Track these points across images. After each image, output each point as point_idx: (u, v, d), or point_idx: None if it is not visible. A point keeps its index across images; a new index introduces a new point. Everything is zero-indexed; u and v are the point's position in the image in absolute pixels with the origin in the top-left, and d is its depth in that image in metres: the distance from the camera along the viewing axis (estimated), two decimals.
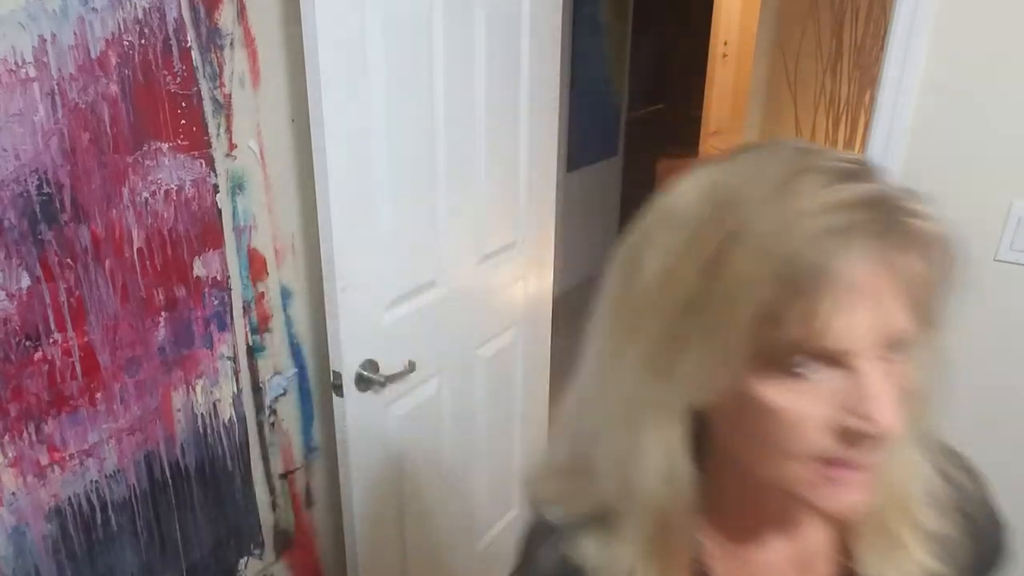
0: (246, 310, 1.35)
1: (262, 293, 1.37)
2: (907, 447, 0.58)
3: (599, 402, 0.58)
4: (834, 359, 0.48)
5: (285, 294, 1.41)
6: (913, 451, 0.59)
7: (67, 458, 1.12)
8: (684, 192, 0.53)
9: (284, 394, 1.47)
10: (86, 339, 1.10)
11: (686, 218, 0.51)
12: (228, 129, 1.23)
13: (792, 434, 0.50)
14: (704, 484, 0.58)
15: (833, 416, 0.48)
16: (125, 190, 1.11)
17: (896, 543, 0.59)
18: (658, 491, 0.55)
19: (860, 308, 0.46)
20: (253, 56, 1.24)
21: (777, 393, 0.49)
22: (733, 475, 0.59)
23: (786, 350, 0.47)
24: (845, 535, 0.62)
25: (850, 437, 0.48)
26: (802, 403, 0.49)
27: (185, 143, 1.17)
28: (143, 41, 1.08)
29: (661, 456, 0.54)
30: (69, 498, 1.14)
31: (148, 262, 1.16)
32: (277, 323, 1.41)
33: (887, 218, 0.47)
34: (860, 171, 0.50)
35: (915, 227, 0.49)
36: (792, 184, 0.48)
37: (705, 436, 0.57)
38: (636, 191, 4.37)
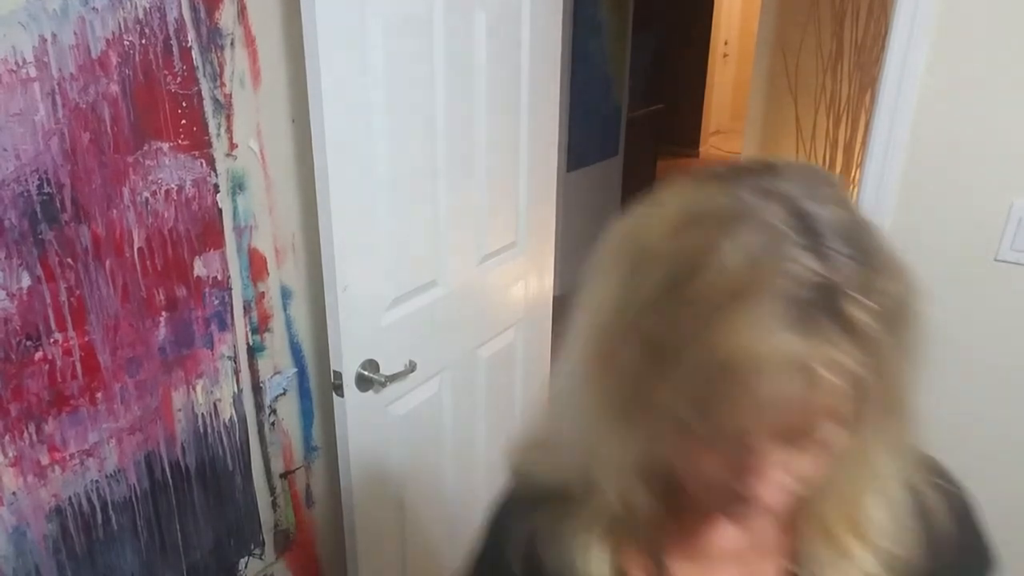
0: (246, 310, 1.35)
1: (262, 293, 1.37)
2: (860, 465, 0.59)
3: (572, 412, 0.61)
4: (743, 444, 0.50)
5: (285, 294, 1.41)
6: (870, 467, 0.59)
7: (67, 458, 1.12)
8: (654, 231, 0.53)
9: (284, 394, 1.47)
10: (86, 339, 1.10)
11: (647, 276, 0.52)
12: (228, 129, 1.23)
13: (694, 484, 0.56)
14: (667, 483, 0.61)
15: (727, 479, 0.52)
16: (125, 190, 1.11)
17: (842, 552, 0.61)
18: (616, 505, 0.60)
19: (764, 417, 0.48)
20: (254, 56, 1.24)
21: (686, 452, 0.54)
22: None
23: (697, 426, 0.50)
24: (795, 540, 0.64)
25: (738, 497, 0.53)
26: (703, 464, 0.53)
27: (185, 143, 1.17)
28: (143, 41, 1.08)
29: (619, 479, 0.59)
30: (69, 498, 1.14)
31: (148, 262, 1.16)
32: (277, 323, 1.41)
33: (815, 360, 0.46)
34: (822, 284, 0.47)
35: (849, 330, 0.46)
36: (739, 300, 0.47)
37: None
38: (636, 191, 4.36)
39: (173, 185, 1.17)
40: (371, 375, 1.41)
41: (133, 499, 1.23)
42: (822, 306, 0.46)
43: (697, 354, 0.47)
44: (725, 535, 0.65)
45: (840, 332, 0.46)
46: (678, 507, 0.63)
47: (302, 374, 1.49)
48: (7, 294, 1.00)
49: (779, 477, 0.51)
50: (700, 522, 0.65)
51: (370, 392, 1.43)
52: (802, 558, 0.63)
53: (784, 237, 0.47)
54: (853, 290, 0.47)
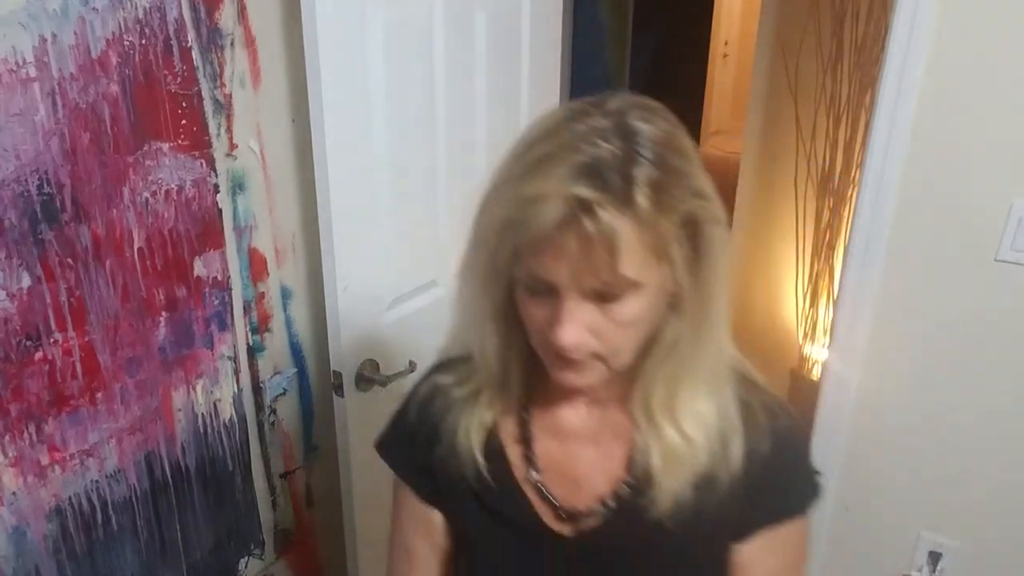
0: (246, 310, 1.35)
1: (262, 293, 1.37)
2: (678, 359, 0.72)
3: (468, 303, 0.77)
4: (552, 288, 0.66)
5: (285, 294, 1.41)
6: (688, 364, 0.72)
7: (67, 458, 1.12)
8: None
9: (284, 394, 1.47)
10: (86, 339, 1.10)
11: (500, 167, 0.70)
12: (229, 129, 1.23)
13: (531, 328, 0.71)
14: (532, 358, 0.77)
15: (548, 324, 0.67)
16: (126, 190, 1.11)
17: (659, 434, 0.74)
18: (496, 365, 0.78)
19: (562, 261, 0.63)
20: (254, 56, 1.24)
21: (526, 304, 0.69)
22: None
23: (522, 271, 0.67)
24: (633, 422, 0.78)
25: (552, 340, 0.67)
26: (534, 309, 0.69)
27: (186, 143, 1.17)
28: (144, 41, 1.08)
29: (495, 342, 0.76)
30: (69, 498, 1.14)
31: (148, 262, 1.16)
32: (277, 323, 1.41)
33: (584, 222, 0.61)
34: (608, 156, 0.63)
35: (616, 210, 0.61)
36: (543, 164, 0.64)
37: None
38: None
39: (173, 185, 1.17)
40: (371, 375, 1.41)
41: (133, 499, 1.23)
42: (613, 181, 0.61)
43: (514, 199, 0.64)
44: (579, 415, 0.80)
45: (620, 201, 0.61)
46: (537, 379, 0.79)
47: (302, 374, 1.49)
48: (7, 294, 1.00)
49: (576, 324, 0.65)
50: (556, 400, 0.80)
51: (370, 392, 1.43)
52: (637, 443, 0.76)
53: (603, 131, 0.64)
54: (643, 183, 0.62)
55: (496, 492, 0.80)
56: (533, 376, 0.79)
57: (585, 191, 0.60)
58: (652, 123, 0.66)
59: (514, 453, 0.81)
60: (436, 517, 0.90)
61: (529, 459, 0.80)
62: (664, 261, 0.65)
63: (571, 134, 0.64)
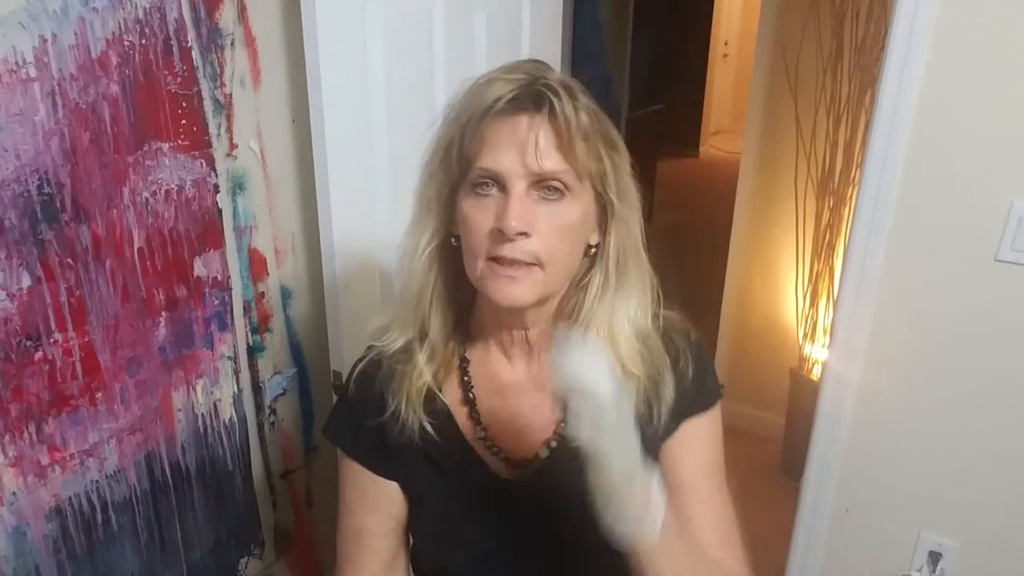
0: (246, 310, 1.35)
1: (262, 293, 1.37)
2: (611, 300, 0.82)
3: (407, 250, 0.85)
4: (499, 182, 0.75)
5: (285, 294, 1.41)
6: (620, 302, 0.82)
7: (67, 458, 1.12)
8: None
9: (284, 394, 1.47)
10: (86, 339, 1.10)
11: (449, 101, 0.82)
12: (229, 129, 1.23)
13: (474, 236, 0.77)
14: (470, 313, 0.87)
15: (492, 222, 0.75)
16: (126, 190, 1.11)
17: None
18: (434, 318, 0.85)
19: (508, 149, 0.73)
20: (254, 56, 1.24)
21: (469, 206, 0.77)
22: (481, 301, 0.86)
23: (471, 173, 0.76)
24: None
25: (497, 237, 0.74)
26: (479, 212, 0.76)
27: (186, 143, 1.17)
28: (144, 41, 1.08)
29: (430, 291, 0.84)
30: (69, 498, 1.14)
31: (148, 262, 1.16)
32: (277, 323, 1.41)
33: (530, 99, 0.74)
34: (531, 76, 0.77)
35: (553, 106, 0.74)
36: (488, 82, 0.77)
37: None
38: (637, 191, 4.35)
39: (173, 185, 1.17)
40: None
41: (133, 499, 1.23)
42: (560, 92, 0.75)
43: (469, 95, 0.77)
44: (516, 369, 0.87)
45: (567, 103, 0.74)
46: (472, 340, 0.88)
47: (302, 374, 1.49)
48: (7, 294, 1.00)
49: (523, 210, 0.74)
50: (493, 358, 0.87)
51: None
52: None
53: (539, 79, 0.77)
54: (584, 108, 0.76)
55: (446, 449, 0.87)
56: (468, 339, 0.89)
57: (547, 78, 0.76)
58: (583, 89, 0.80)
59: (460, 414, 0.88)
60: (389, 489, 0.94)
61: (475, 419, 0.87)
62: (590, 181, 0.77)
63: (500, 70, 0.79)
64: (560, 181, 0.75)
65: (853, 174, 2.36)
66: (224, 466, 1.38)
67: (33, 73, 0.97)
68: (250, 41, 1.23)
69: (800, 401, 2.60)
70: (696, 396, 0.88)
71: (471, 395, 0.88)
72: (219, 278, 1.28)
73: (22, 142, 0.98)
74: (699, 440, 0.89)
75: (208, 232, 1.24)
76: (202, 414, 1.31)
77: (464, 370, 0.89)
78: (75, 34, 1.00)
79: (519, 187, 0.74)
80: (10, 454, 1.05)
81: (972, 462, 1.56)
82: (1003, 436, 1.51)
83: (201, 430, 1.31)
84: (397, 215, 1.40)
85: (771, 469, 2.78)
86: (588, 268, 0.84)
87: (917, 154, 1.45)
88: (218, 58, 1.19)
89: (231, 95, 1.23)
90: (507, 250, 0.75)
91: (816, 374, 2.54)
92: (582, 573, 0.86)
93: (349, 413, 0.95)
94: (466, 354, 0.89)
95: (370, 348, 0.94)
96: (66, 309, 1.07)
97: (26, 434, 1.06)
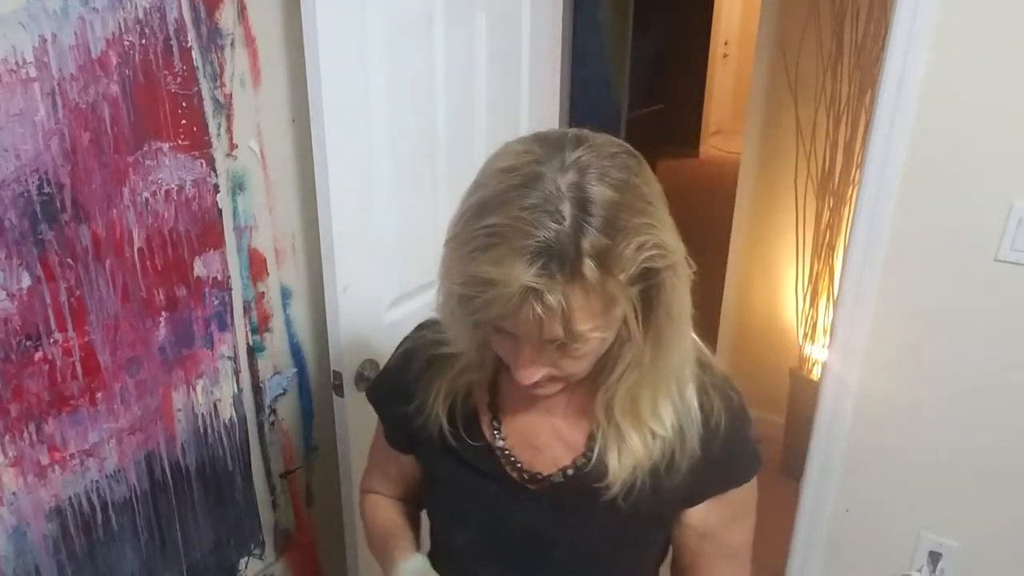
0: (246, 310, 1.35)
1: (262, 293, 1.37)
2: (641, 373, 0.78)
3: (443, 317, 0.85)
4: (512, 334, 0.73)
5: (285, 294, 1.41)
6: (650, 377, 0.78)
7: (67, 458, 1.12)
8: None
9: (284, 394, 1.47)
10: (86, 339, 1.10)
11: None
12: (229, 129, 1.23)
13: (501, 356, 0.79)
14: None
15: (510, 360, 0.76)
16: (126, 190, 1.11)
17: (623, 438, 0.80)
18: (475, 356, 0.87)
19: (521, 328, 0.70)
20: (254, 56, 1.24)
21: (496, 340, 0.77)
22: None
23: (495, 326, 0.74)
24: (592, 421, 0.85)
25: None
26: (502, 345, 0.77)
27: (186, 143, 1.17)
28: (144, 41, 1.08)
29: (473, 344, 0.84)
30: (69, 498, 1.14)
31: (148, 262, 1.16)
32: (277, 323, 1.41)
33: (535, 306, 0.66)
34: (554, 239, 0.66)
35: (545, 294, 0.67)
36: (495, 245, 0.67)
37: None
38: None
39: (173, 185, 1.17)
40: (371, 375, 1.41)
41: (133, 499, 1.23)
42: (562, 261, 0.65)
43: (469, 279, 0.69)
44: (544, 401, 0.86)
45: (567, 279, 0.66)
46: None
47: (302, 374, 1.49)
48: (7, 294, 1.00)
49: (534, 367, 0.74)
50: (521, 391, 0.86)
51: None
52: (594, 437, 0.83)
53: (555, 202, 0.66)
54: (589, 254, 0.66)
55: (468, 446, 0.89)
56: None
57: (533, 280, 0.65)
58: (607, 179, 0.68)
59: (484, 419, 0.90)
60: (404, 459, 1.01)
61: (495, 427, 0.89)
62: (616, 310, 0.70)
63: (522, 208, 0.66)
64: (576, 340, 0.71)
65: (853, 174, 2.36)
66: (224, 466, 1.38)
67: (33, 73, 0.97)
68: (250, 41, 1.23)
69: (800, 401, 2.61)
70: (729, 470, 0.85)
71: (497, 402, 0.90)
72: (219, 278, 1.28)
73: (22, 142, 0.98)
74: (724, 521, 0.87)
75: (208, 232, 1.24)
76: (202, 414, 1.31)
77: (495, 380, 0.90)
78: (75, 34, 1.00)
79: (530, 346, 0.73)
80: (10, 454, 1.05)
81: (972, 462, 1.56)
82: (1003, 436, 1.51)
83: (201, 430, 1.31)
84: (397, 215, 1.41)
85: (771, 469, 2.78)
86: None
87: (917, 154, 1.45)
88: (218, 58, 1.19)
89: (231, 95, 1.23)
90: (526, 387, 0.77)
91: (816, 374, 2.54)
92: None
93: (387, 385, 1.01)
94: (503, 367, 0.88)
95: (423, 325, 0.97)
96: (66, 309, 1.07)
97: (26, 434, 1.06)
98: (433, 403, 0.89)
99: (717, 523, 0.87)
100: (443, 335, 0.88)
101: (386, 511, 1.07)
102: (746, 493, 0.87)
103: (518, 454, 0.88)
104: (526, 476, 0.87)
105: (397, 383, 0.95)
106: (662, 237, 0.70)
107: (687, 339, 0.79)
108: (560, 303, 0.66)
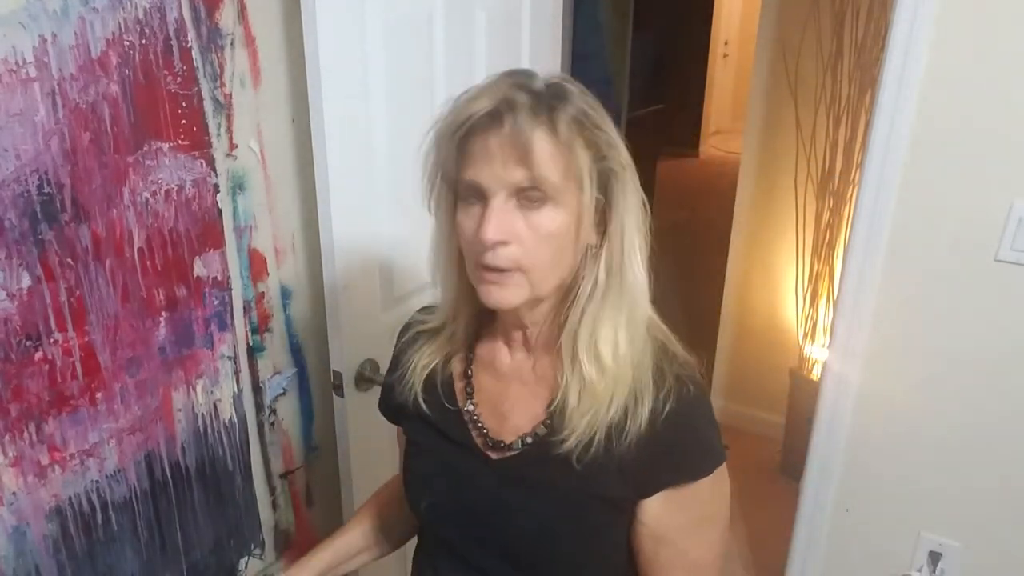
0: (246, 310, 1.35)
1: (262, 293, 1.37)
2: (602, 310, 0.82)
3: (437, 252, 0.91)
4: (481, 194, 0.77)
5: (285, 294, 1.41)
6: (609, 311, 0.82)
7: (67, 458, 1.12)
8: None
9: (284, 394, 1.47)
10: (86, 339, 1.10)
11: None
12: (229, 129, 1.23)
13: (465, 243, 0.81)
14: (480, 309, 0.91)
15: (476, 228, 0.78)
16: (126, 190, 1.11)
17: (583, 380, 0.82)
18: (449, 308, 0.93)
19: (485, 163, 0.76)
20: (254, 56, 1.24)
21: (460, 215, 0.81)
22: None
23: (460, 186, 0.80)
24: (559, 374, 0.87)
25: (480, 244, 0.77)
26: (467, 221, 0.79)
27: (186, 143, 1.17)
28: (144, 41, 1.08)
29: (454, 291, 0.91)
30: (69, 498, 1.14)
31: (148, 262, 1.16)
32: (277, 323, 1.41)
33: (500, 114, 0.75)
34: (509, 87, 0.76)
35: (522, 128, 0.74)
36: (469, 100, 0.77)
37: None
38: None
39: (173, 185, 1.17)
40: (371, 375, 1.41)
41: (133, 499, 1.23)
42: (540, 101, 0.75)
43: (456, 108, 0.77)
44: (514, 358, 0.91)
45: (542, 115, 0.74)
46: (483, 329, 0.94)
47: (302, 374, 1.49)
48: (7, 294, 1.00)
49: (501, 223, 0.76)
50: (497, 344, 0.93)
51: (370, 392, 1.43)
52: (560, 387, 0.84)
53: (537, 81, 0.78)
54: (564, 117, 0.75)
55: (440, 409, 0.94)
56: (481, 326, 0.95)
57: (515, 95, 0.75)
58: (579, 90, 0.79)
59: (459, 386, 0.95)
60: (397, 430, 1.08)
61: (468, 392, 0.93)
62: (577, 186, 0.77)
63: (506, 76, 0.79)
64: (538, 190, 0.76)
65: (853, 174, 2.36)
66: (224, 466, 1.38)
67: (33, 73, 0.97)
68: (250, 41, 1.23)
69: (800, 401, 2.60)
70: (680, 460, 0.83)
71: (470, 371, 0.95)
72: (219, 278, 1.28)
73: (22, 142, 0.98)
74: (682, 528, 0.85)
75: (208, 232, 1.24)
76: (202, 414, 1.31)
77: (471, 347, 0.96)
78: (75, 34, 1.00)
79: (498, 198, 0.77)
80: (10, 454, 1.05)
81: (972, 462, 1.56)
82: (1003, 436, 1.51)
83: (201, 430, 1.32)
84: (397, 215, 1.41)
85: (771, 469, 2.78)
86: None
87: (917, 154, 1.45)
88: (218, 58, 1.19)
89: (231, 95, 1.23)
90: (488, 257, 0.78)
91: (816, 374, 2.54)
92: (520, 565, 0.90)
93: (392, 359, 1.06)
94: (480, 337, 0.96)
95: (421, 309, 1.04)
96: (66, 309, 1.07)
97: (26, 434, 1.06)
98: (411, 373, 0.96)
99: (674, 528, 0.85)
100: (432, 314, 0.97)
101: (349, 523, 1.13)
102: (707, 499, 0.85)
103: (485, 420, 0.92)
104: (490, 443, 0.90)
105: (395, 355, 1.03)
106: (619, 143, 0.80)
107: (638, 265, 0.83)
108: (528, 128, 0.73)
